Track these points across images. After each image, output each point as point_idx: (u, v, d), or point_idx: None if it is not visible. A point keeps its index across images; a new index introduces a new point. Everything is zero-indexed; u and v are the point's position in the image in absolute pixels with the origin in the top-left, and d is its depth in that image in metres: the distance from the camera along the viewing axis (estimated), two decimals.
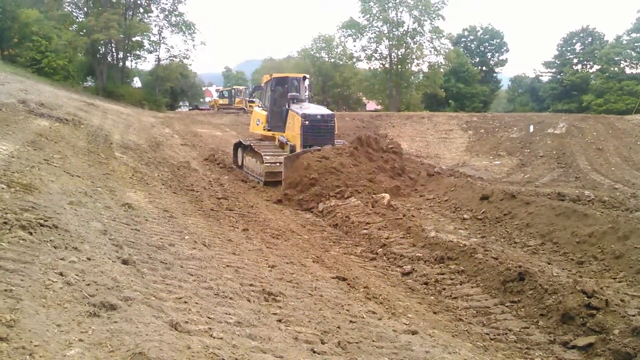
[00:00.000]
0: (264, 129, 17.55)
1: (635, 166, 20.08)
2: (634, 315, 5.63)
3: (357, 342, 4.50)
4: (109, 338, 3.25)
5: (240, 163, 17.95)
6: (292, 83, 17.91)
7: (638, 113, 36.98)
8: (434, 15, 56.16)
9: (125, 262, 5.03)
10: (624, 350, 5.17)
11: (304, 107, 16.25)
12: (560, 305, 6.12)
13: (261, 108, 18.47)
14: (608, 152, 22.74)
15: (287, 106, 16.51)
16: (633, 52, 59.96)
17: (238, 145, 18.47)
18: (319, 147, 14.73)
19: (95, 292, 3.93)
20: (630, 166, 20.20)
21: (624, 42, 60.54)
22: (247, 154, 17.14)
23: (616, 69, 59.79)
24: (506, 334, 6.01)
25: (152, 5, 49.93)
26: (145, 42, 50.54)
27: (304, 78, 18.01)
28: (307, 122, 15.30)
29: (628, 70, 60.17)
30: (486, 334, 6.00)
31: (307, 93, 18.09)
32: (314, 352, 4.05)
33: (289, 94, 16.96)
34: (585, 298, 5.99)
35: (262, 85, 19.01)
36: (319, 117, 15.75)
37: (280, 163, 14.78)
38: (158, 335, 3.40)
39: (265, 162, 15.01)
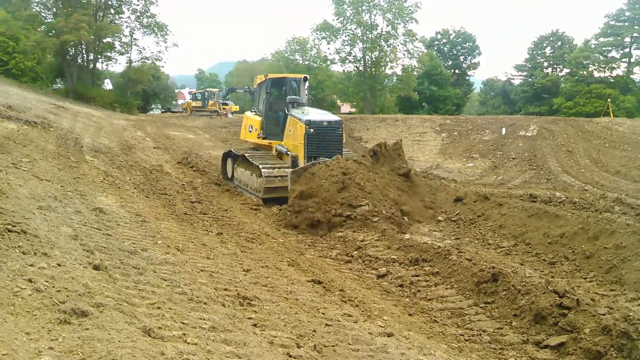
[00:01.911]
0: (258, 137, 15.64)
1: (604, 168, 20.52)
2: (603, 314, 5.72)
3: (333, 346, 4.49)
4: (80, 345, 3.18)
5: (230, 175, 16.11)
6: (290, 85, 15.78)
7: (606, 116, 37.82)
8: (407, 19, 56.77)
9: (96, 267, 4.93)
10: (594, 349, 5.26)
11: (306, 112, 14.28)
12: (533, 306, 6.21)
13: (254, 113, 16.54)
14: (578, 154, 23.19)
15: (285, 111, 14.66)
16: (601, 56, 61.45)
17: (228, 155, 16.50)
18: (326, 159, 12.68)
19: (66, 299, 3.84)
20: (599, 168, 20.62)
21: (592, 46, 62.01)
22: (239, 166, 15.19)
23: (585, 72, 61.20)
24: (480, 334, 6.06)
25: (123, 6, 49.29)
26: (117, 44, 49.89)
27: (305, 79, 16.07)
28: (312, 130, 13.31)
29: (596, 74, 61.72)
30: (461, 335, 6.04)
31: (307, 96, 16.18)
32: (290, 356, 4.03)
33: (288, 97, 14.84)
34: (557, 298, 6.09)
35: (255, 87, 17.04)
36: (325, 123, 13.72)
37: (282, 177, 13.07)
38: (131, 342, 3.34)
39: (264, 176, 13.05)
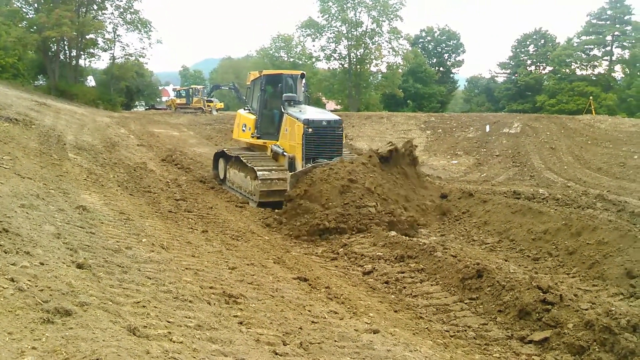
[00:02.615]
0: (252, 136, 14.85)
1: (587, 165, 20.76)
2: (586, 309, 5.80)
3: (319, 343, 4.49)
4: (64, 345, 3.14)
5: (222, 177, 15.47)
6: (286, 82, 14.94)
7: (589, 113, 38.23)
8: (392, 16, 56.94)
9: (80, 266, 4.88)
10: (577, 344, 5.33)
11: (304, 110, 13.57)
12: (517, 301, 6.27)
13: (247, 111, 15.75)
14: (561, 151, 23.42)
15: (282, 109, 13.96)
16: (583, 54, 62.08)
17: (220, 155, 15.83)
18: (326, 160, 12.24)
19: (49, 298, 3.79)
20: (581, 165, 20.86)
21: (575, 44, 62.62)
22: (232, 167, 14.60)
23: (567, 70, 61.79)
24: (465, 330, 6.11)
25: (106, 2, 48.70)
26: (100, 40, 49.24)
27: (302, 76, 15.15)
28: (310, 130, 12.59)
29: (579, 72, 62.30)
30: (446, 331, 6.09)
31: (304, 94, 15.46)
32: (276, 353, 4.02)
33: (284, 94, 14.12)
34: (541, 294, 6.15)
35: (248, 84, 16.17)
36: (324, 123, 13.00)
37: (279, 180, 12.49)
38: (116, 341, 3.31)
39: (260, 178, 12.39)
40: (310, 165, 11.97)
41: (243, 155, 13.71)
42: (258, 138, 14.74)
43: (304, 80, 15.29)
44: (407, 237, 9.54)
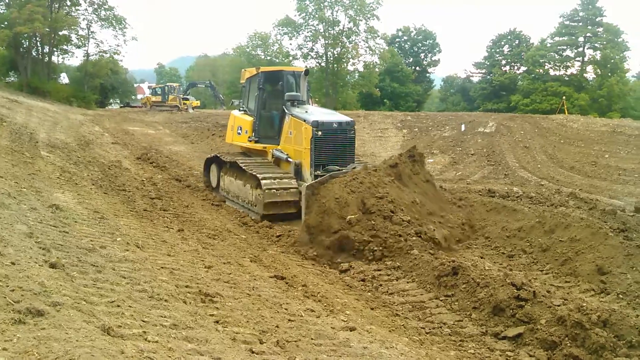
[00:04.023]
0: (250, 140, 13.34)
1: (559, 163, 21.07)
2: (558, 305, 5.91)
3: (295, 341, 4.49)
4: (36, 346, 3.09)
5: (215, 184, 14.17)
6: (287, 80, 13.43)
7: (561, 113, 38.86)
8: (369, 15, 57.25)
9: (53, 265, 4.80)
10: (550, 339, 5.43)
11: (311, 111, 12.18)
12: (492, 298, 6.36)
13: (242, 112, 14.22)
14: (534, 150, 23.74)
15: (285, 110, 12.53)
16: (556, 55, 63.11)
17: (213, 160, 14.38)
18: (338, 167, 11.08)
19: (21, 298, 3.72)
20: (554, 163, 21.16)
21: (548, 45, 63.61)
22: (227, 174, 13.29)
23: (541, 70, 62.81)
24: (441, 327, 6.18)
25: None
26: (73, 37, 48.53)
27: (306, 73, 13.36)
28: (319, 133, 11.28)
29: (552, 72, 63.45)
30: (422, 327, 6.15)
31: (308, 93, 13.90)
32: (253, 352, 4.01)
33: (287, 93, 12.66)
34: (515, 290, 6.25)
35: (243, 82, 14.66)
36: (335, 125, 11.62)
37: (286, 189, 11.14)
38: (89, 341, 3.27)
39: (265, 187, 10.93)
40: (326, 174, 10.51)
41: (242, 162, 12.32)
42: (256, 142, 13.27)
43: (307, 78, 13.63)
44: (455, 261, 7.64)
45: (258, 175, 11.26)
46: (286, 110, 12.43)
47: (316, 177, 10.89)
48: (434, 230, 9.33)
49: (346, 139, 11.78)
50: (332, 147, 11.53)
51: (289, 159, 11.96)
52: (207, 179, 14.67)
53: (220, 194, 13.57)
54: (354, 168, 10.79)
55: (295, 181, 11.40)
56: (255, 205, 11.58)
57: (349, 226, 8.92)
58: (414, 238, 8.72)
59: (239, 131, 13.96)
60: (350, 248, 8.79)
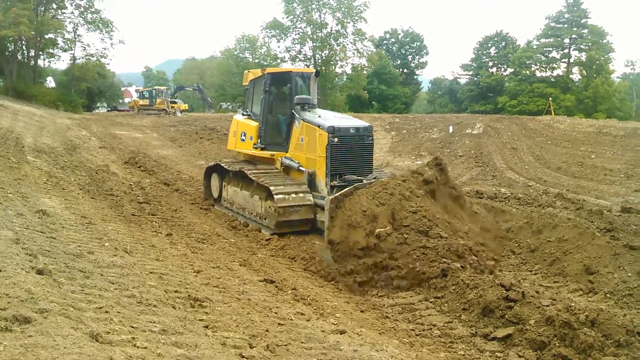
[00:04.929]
0: (255, 147, 12.20)
1: (547, 164, 21.22)
2: (547, 306, 5.94)
3: (285, 345, 4.48)
4: (23, 353, 3.06)
5: (217, 195, 13.13)
6: (296, 82, 12.29)
7: (548, 114, 39.18)
8: (356, 18, 57.46)
9: (40, 272, 4.75)
10: (539, 339, 5.46)
11: (324, 116, 11.23)
12: (481, 299, 6.39)
13: (246, 116, 13.13)
14: (522, 151, 23.89)
15: (292, 114, 11.55)
16: (542, 57, 63.71)
17: (214, 169, 13.33)
18: (359, 178, 10.07)
19: (7, 305, 3.68)
20: (542, 164, 21.31)
21: (534, 46, 64.28)
22: (230, 184, 12.33)
23: (528, 72, 63.38)
24: (431, 329, 6.20)
25: (66, 1, 47.75)
26: (59, 40, 48.32)
27: (317, 74, 12.16)
28: (336, 140, 10.26)
29: (538, 74, 64.08)
30: (412, 330, 6.16)
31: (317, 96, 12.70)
32: (242, 356, 4.00)
33: (296, 96, 11.57)
34: (504, 291, 6.29)
35: (246, 84, 13.46)
36: (352, 131, 10.61)
37: (301, 201, 10.14)
38: (77, 348, 3.24)
39: (277, 200, 9.92)
40: (349, 185, 9.50)
41: (248, 170, 11.35)
42: (262, 149, 12.15)
43: (317, 79, 12.50)
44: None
45: (270, 186, 10.24)
46: (297, 115, 11.38)
47: (332, 187, 10.13)
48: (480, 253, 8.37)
49: (364, 146, 10.79)
50: (350, 154, 10.54)
51: (300, 168, 10.95)
52: (208, 189, 13.61)
53: (222, 205, 12.71)
54: (375, 178, 10.09)
55: (311, 195, 10.34)
56: (266, 218, 10.72)
57: (377, 241, 8.09)
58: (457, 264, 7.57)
59: (243, 137, 12.88)
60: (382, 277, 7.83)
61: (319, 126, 10.58)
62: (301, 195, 10.25)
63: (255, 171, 11.30)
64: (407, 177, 9.73)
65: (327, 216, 8.89)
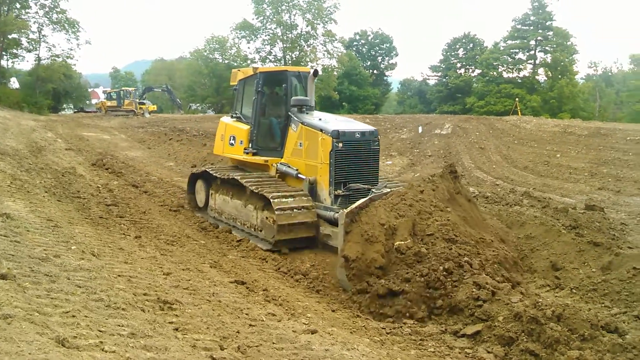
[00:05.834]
0: (246, 152, 11.36)
1: (514, 163, 21.61)
2: (515, 302, 6.04)
3: (257, 346, 4.47)
4: None
5: (203, 204, 12.27)
6: (291, 82, 11.24)
7: (515, 114, 39.89)
8: (326, 19, 57.65)
9: (3, 277, 4.64)
10: (507, 335, 5.56)
11: (325, 119, 10.32)
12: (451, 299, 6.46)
13: (235, 119, 12.25)
14: (489, 150, 24.29)
15: (288, 117, 10.71)
16: (509, 58, 64.92)
17: (199, 176, 12.48)
18: (364, 186, 9.37)
19: None
20: (509, 164, 21.69)
21: (501, 48, 65.45)
22: (219, 192, 11.43)
23: (495, 73, 64.51)
24: (401, 327, 6.25)
25: (30, 1, 46.73)
26: (24, 40, 47.27)
27: (315, 73, 11.01)
28: (340, 145, 9.40)
29: (505, 75, 65.33)
30: (382, 328, 6.20)
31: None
32: (213, 358, 3.97)
33: (293, 98, 10.67)
34: (475, 291, 6.36)
35: (235, 84, 12.47)
36: (357, 135, 9.73)
37: (300, 209, 9.20)
38: (43, 354, 3.17)
39: (277, 209, 9.01)
40: (367, 198, 8.33)
41: (240, 177, 10.38)
42: (254, 154, 11.31)
43: (315, 79, 11.41)
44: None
45: (268, 195, 9.28)
46: (294, 118, 10.48)
47: (336, 197, 9.39)
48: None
49: (370, 152, 9.92)
50: (355, 161, 9.68)
51: (299, 176, 10.01)
52: (192, 197, 12.79)
53: (208, 215, 11.84)
54: (385, 187, 9.49)
55: (315, 212, 9.40)
56: (262, 230, 9.84)
57: (397, 254, 7.31)
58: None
59: (232, 141, 11.93)
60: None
61: (321, 130, 9.70)
62: (302, 199, 9.43)
63: (249, 179, 10.29)
64: (424, 186, 8.65)
65: (342, 232, 7.95)
